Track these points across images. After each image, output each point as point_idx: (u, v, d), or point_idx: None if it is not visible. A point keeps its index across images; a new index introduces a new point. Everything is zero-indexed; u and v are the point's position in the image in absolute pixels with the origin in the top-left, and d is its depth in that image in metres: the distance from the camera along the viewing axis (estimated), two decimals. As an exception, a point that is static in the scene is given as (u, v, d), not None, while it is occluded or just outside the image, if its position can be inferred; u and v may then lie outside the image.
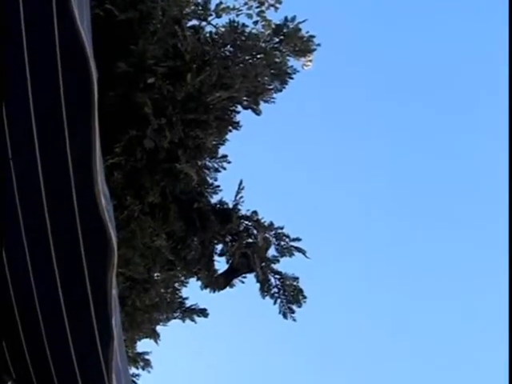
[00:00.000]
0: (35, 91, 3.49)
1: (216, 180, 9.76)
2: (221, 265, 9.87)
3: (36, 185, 3.65)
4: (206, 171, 9.66)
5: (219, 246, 9.73)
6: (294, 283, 9.33)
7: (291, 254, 9.36)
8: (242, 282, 9.75)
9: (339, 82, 12.65)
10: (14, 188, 3.76)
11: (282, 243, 9.32)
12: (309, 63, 10.01)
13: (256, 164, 12.53)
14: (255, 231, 9.42)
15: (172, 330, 10.28)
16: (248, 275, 9.76)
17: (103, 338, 3.53)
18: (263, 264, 9.34)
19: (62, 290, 3.70)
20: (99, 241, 3.39)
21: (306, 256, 9.25)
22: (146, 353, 10.52)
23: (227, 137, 9.76)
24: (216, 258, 9.79)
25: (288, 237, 9.31)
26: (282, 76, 9.66)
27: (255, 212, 9.57)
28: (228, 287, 9.64)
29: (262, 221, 9.49)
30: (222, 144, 9.74)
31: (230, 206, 9.61)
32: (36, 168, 3.64)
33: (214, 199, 9.73)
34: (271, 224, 9.42)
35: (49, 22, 3.31)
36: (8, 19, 3.59)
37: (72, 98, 3.35)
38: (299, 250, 9.31)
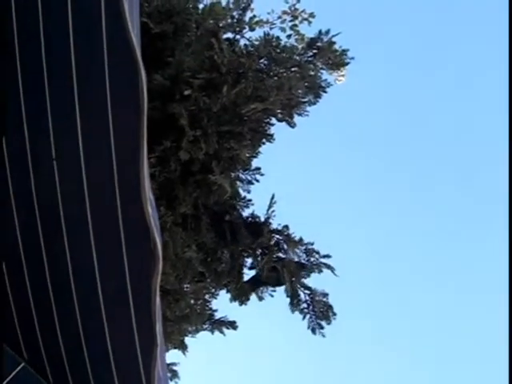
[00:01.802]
0: (82, 94, 3.45)
1: (249, 192, 9.76)
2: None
3: (80, 189, 3.61)
4: (239, 183, 9.66)
5: (249, 260, 9.72)
6: (324, 299, 9.34)
7: (320, 271, 9.34)
8: (272, 296, 9.76)
9: (375, 97, 12.73)
10: (58, 191, 3.69)
11: (312, 259, 9.30)
12: (342, 77, 9.98)
13: (288, 177, 12.27)
14: (286, 246, 9.39)
15: (200, 341, 10.23)
16: (278, 289, 9.74)
17: (146, 345, 3.48)
18: (293, 279, 9.32)
19: (105, 295, 3.67)
20: (145, 248, 3.36)
21: (334, 274, 9.22)
22: (174, 364, 10.50)
23: (260, 149, 9.74)
24: (246, 271, 9.77)
25: (318, 253, 9.29)
26: (316, 89, 9.61)
27: (286, 226, 9.54)
28: (254, 294, 9.58)
29: (293, 236, 9.47)
30: (256, 156, 9.71)
31: (262, 219, 9.61)
32: (80, 173, 3.60)
33: (246, 212, 9.73)
34: (301, 239, 9.41)
35: (99, 28, 3.30)
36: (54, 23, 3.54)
37: (121, 103, 3.33)
38: (328, 267, 9.28)
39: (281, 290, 9.66)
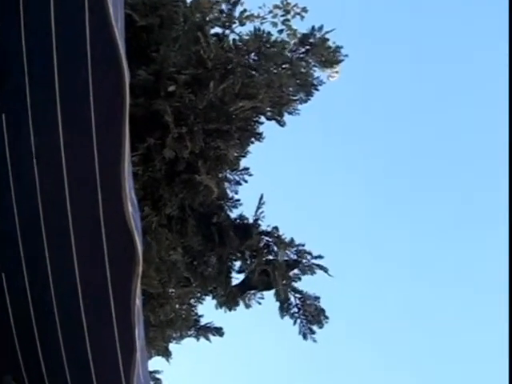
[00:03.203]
0: (64, 92, 3.46)
1: (236, 193, 9.79)
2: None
3: (60, 188, 3.61)
4: (227, 184, 9.67)
5: (238, 263, 9.74)
6: (315, 303, 9.35)
7: (313, 272, 9.34)
8: (259, 304, 9.82)
9: (365, 94, 13.22)
10: (37, 189, 3.72)
11: (304, 261, 9.32)
12: (335, 74, 10.02)
13: (278, 178, 12.82)
14: (276, 248, 9.44)
15: (185, 348, 10.21)
16: (266, 293, 9.80)
17: (125, 351, 3.50)
18: (284, 282, 9.34)
19: (84, 298, 3.68)
20: (125, 249, 3.35)
21: (328, 274, 9.23)
22: (157, 371, 10.45)
23: (249, 149, 9.79)
24: (234, 275, 9.79)
25: (310, 254, 9.30)
26: (308, 87, 9.66)
27: (276, 228, 9.55)
28: (241, 301, 9.58)
29: (283, 237, 9.51)
30: (244, 156, 9.75)
31: (251, 221, 9.60)
32: (61, 172, 3.60)
33: (234, 213, 9.74)
34: (292, 241, 9.41)
35: (81, 20, 3.29)
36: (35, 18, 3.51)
37: (103, 101, 3.34)
38: (321, 267, 9.28)
39: (269, 295, 9.72)
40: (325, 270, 9.27)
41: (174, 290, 9.76)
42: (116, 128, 3.32)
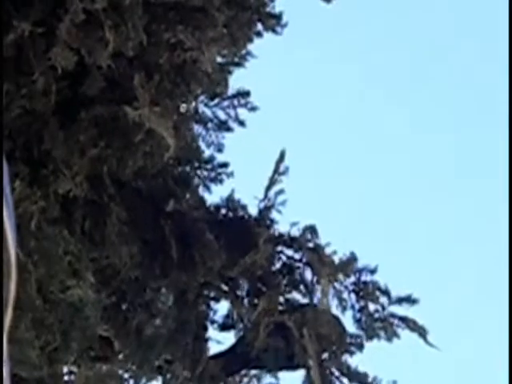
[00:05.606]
0: None
1: (221, 150, 9.89)
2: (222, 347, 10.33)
3: None
4: (197, 127, 9.83)
5: (222, 306, 9.93)
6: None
7: (392, 335, 9.46)
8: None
9: None
10: None
11: (372, 308, 9.32)
12: None
13: (316, 119, 13.20)
14: (311, 275, 9.41)
15: None
16: (285, 375, 10.00)
17: None
18: (325, 354, 9.45)
19: None
20: None
21: (428, 343, 9.32)
22: None
23: (251, 49, 9.89)
24: (213, 332, 10.00)
25: (386, 294, 9.28)
26: None
27: (312, 229, 9.55)
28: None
29: (327, 251, 9.48)
30: (238, 65, 9.85)
31: (253, 212, 9.78)
32: None
33: (215, 195, 10.03)
34: (350, 259, 9.40)
35: None
36: None
37: None
38: (413, 326, 9.50)
39: (292, 377, 10.05)
40: (421, 331, 9.47)
41: (76, 371, 10.01)
42: None
